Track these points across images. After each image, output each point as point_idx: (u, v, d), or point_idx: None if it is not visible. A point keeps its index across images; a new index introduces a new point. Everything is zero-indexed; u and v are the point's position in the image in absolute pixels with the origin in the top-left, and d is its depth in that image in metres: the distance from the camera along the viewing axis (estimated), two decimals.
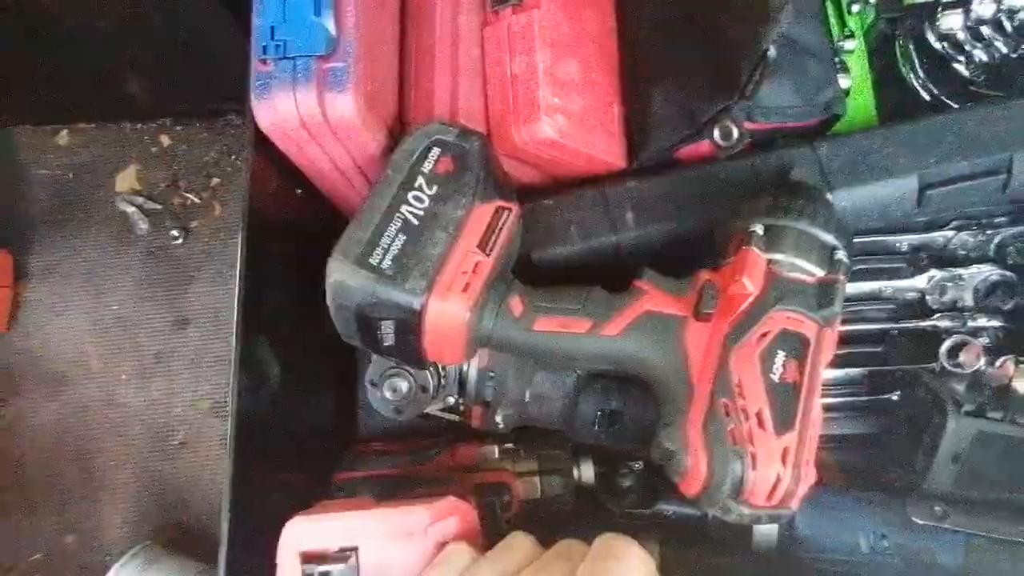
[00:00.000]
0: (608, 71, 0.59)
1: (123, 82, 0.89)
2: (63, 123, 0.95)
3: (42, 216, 0.93)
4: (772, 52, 0.49)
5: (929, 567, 0.51)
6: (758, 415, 0.42)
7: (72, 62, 0.84)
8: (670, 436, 0.44)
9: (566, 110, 0.53)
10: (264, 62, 0.46)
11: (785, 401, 0.43)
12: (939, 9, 0.59)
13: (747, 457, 0.41)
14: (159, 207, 0.92)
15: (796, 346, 0.45)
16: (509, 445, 0.60)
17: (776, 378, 0.43)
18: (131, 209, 0.91)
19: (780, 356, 0.44)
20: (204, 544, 0.82)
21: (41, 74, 0.87)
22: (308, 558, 0.42)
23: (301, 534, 0.42)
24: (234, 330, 0.49)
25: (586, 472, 0.60)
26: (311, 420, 0.66)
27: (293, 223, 0.60)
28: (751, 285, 0.45)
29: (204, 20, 0.78)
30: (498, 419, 0.57)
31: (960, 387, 0.55)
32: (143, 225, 0.91)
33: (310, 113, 0.47)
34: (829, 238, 0.47)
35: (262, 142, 0.50)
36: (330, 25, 0.46)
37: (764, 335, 0.45)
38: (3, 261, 0.89)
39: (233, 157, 0.93)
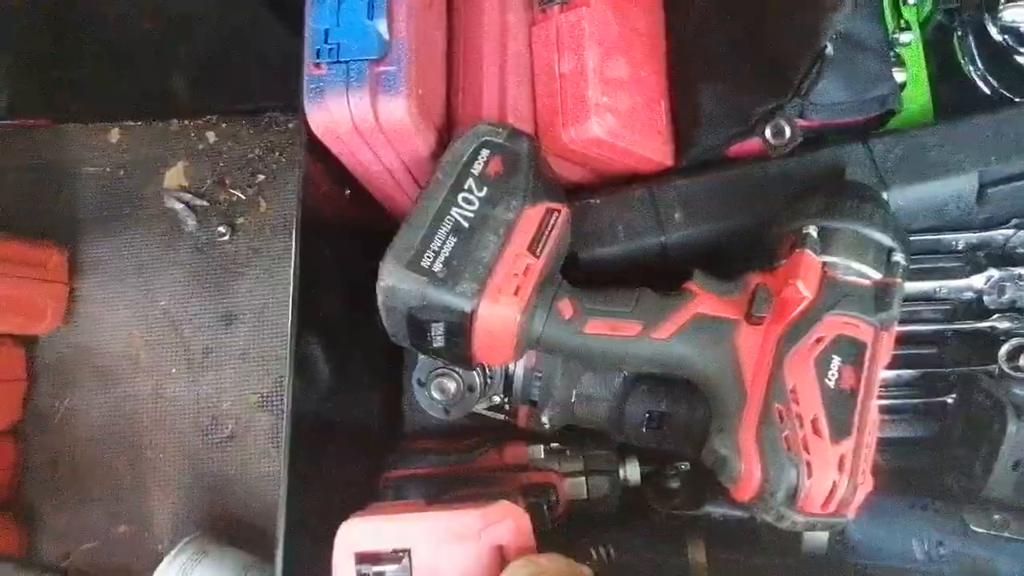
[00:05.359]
0: (656, 68, 0.58)
1: (170, 80, 0.90)
2: (112, 121, 0.97)
3: (93, 213, 0.95)
4: (830, 50, 0.48)
5: None
6: (813, 422, 0.42)
7: (120, 61, 0.86)
8: (723, 441, 0.44)
9: (615, 109, 0.53)
10: (318, 66, 0.47)
11: (841, 407, 0.42)
12: (1002, 1, 0.57)
13: (802, 465, 0.41)
14: (206, 204, 0.93)
15: (852, 351, 0.44)
16: (555, 445, 0.60)
17: (832, 384, 0.43)
18: (179, 206, 0.93)
19: (836, 361, 0.43)
20: (253, 535, 0.83)
21: (90, 74, 0.88)
22: (362, 558, 0.42)
23: (356, 535, 0.43)
24: (289, 330, 0.49)
25: (632, 472, 0.60)
26: (359, 418, 0.66)
27: (342, 224, 0.61)
28: (806, 289, 0.44)
29: (248, 20, 0.79)
30: (544, 419, 0.57)
31: (1021, 392, 0.53)
32: (191, 221, 0.93)
33: (363, 117, 0.47)
34: (886, 239, 0.46)
35: (313, 144, 0.51)
36: (383, 29, 0.46)
37: (819, 340, 0.44)
38: (59, 258, 0.91)
39: (277, 154, 0.94)
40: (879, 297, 0.45)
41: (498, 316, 0.45)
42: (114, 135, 0.97)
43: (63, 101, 0.94)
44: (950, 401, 0.58)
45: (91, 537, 0.87)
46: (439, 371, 0.57)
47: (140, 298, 0.92)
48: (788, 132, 0.52)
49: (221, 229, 0.92)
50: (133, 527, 0.87)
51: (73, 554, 0.87)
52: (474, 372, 0.57)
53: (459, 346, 0.47)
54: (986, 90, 0.59)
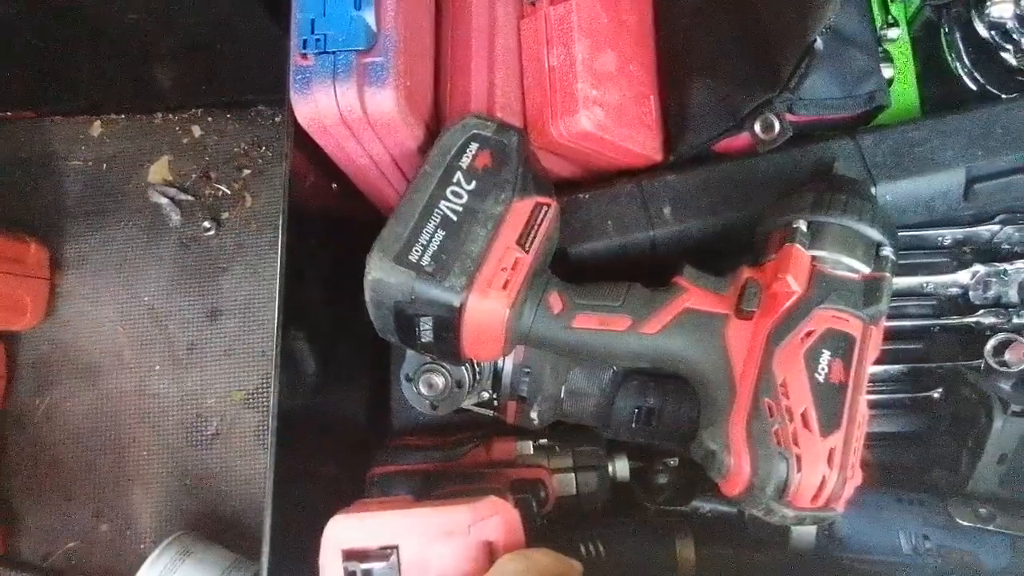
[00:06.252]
0: (646, 62, 0.58)
1: (154, 73, 0.89)
2: (96, 114, 0.95)
3: (76, 207, 0.94)
4: (819, 44, 0.47)
5: (972, 570, 0.50)
6: (803, 416, 0.42)
7: (104, 53, 0.85)
8: (712, 436, 0.44)
9: (604, 103, 0.53)
10: (304, 56, 0.46)
11: (831, 401, 0.42)
12: None
13: (792, 459, 0.41)
14: (191, 198, 0.92)
15: (842, 345, 0.44)
16: (544, 441, 0.60)
17: (821, 378, 0.43)
18: (163, 200, 0.92)
19: (825, 355, 0.43)
20: (237, 533, 0.83)
21: (74, 66, 0.87)
22: (350, 555, 0.42)
23: (343, 531, 0.42)
24: (275, 326, 0.49)
25: (621, 468, 0.60)
26: (345, 414, 0.66)
27: (329, 218, 0.60)
28: (795, 283, 0.44)
29: (234, 12, 0.78)
30: (533, 415, 0.57)
31: (1006, 386, 0.54)
32: (175, 216, 0.92)
33: (350, 108, 0.46)
34: (875, 234, 0.46)
35: (299, 136, 0.50)
36: (370, 19, 0.45)
37: (809, 334, 0.44)
38: (40, 253, 0.90)
39: (263, 148, 0.93)
40: (868, 291, 0.45)
41: (487, 310, 0.45)
42: (96, 128, 0.96)
43: (45, 94, 0.93)
44: (936, 396, 0.59)
45: (72, 536, 0.87)
46: (427, 366, 0.57)
47: (123, 294, 0.91)
48: (777, 127, 0.52)
49: (206, 224, 0.91)
50: (115, 526, 0.87)
51: (54, 554, 0.86)
52: (462, 368, 0.56)
53: (447, 341, 0.47)
54: (972, 86, 0.60)
